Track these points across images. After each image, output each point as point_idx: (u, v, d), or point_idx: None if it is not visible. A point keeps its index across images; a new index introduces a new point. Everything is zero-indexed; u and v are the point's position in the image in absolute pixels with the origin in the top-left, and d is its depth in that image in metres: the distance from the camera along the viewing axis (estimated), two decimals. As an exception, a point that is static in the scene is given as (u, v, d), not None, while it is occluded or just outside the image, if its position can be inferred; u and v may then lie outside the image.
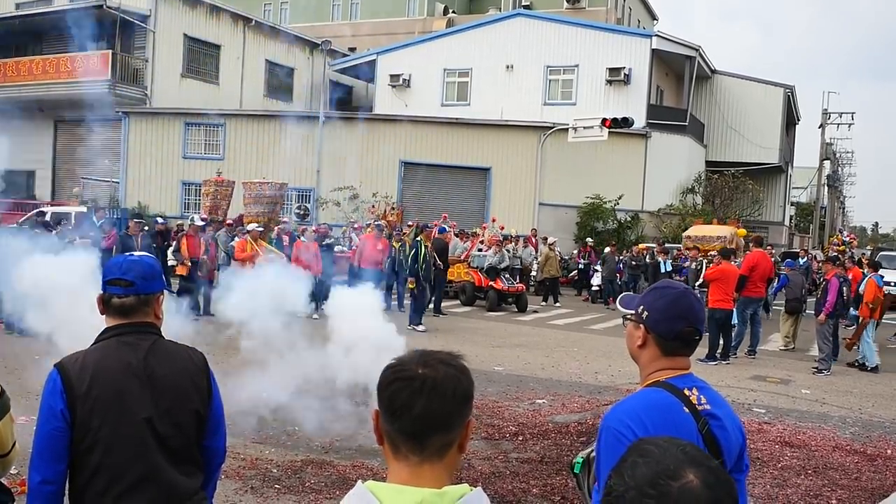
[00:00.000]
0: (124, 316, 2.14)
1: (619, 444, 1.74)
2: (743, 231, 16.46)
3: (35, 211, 19.27)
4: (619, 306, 2.11)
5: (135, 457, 2.05)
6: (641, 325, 1.93)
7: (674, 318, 1.89)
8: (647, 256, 17.30)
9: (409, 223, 17.32)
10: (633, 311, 1.97)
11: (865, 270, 11.73)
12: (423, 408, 1.24)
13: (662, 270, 14.23)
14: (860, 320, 11.01)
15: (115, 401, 2.05)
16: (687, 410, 1.82)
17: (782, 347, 12.42)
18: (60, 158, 27.94)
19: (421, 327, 12.15)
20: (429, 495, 1.21)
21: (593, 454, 1.91)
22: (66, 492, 2.09)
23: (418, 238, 13.09)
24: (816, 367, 10.30)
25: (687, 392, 1.85)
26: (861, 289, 11.20)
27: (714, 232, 15.83)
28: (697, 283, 12.70)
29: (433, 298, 13.69)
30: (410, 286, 12.39)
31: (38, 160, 27.65)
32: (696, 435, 1.79)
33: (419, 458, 1.26)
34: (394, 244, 14.68)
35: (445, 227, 15.99)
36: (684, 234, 17.50)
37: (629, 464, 1.08)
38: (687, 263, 14.20)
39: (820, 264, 11.42)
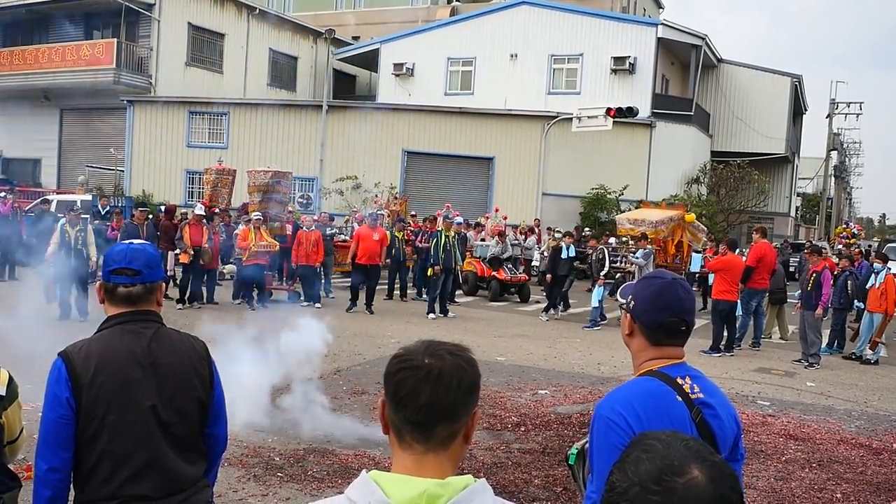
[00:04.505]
0: (130, 304, 2.14)
1: (611, 433, 1.74)
2: (692, 216, 16.04)
3: (40, 199, 19.31)
4: (618, 296, 2.12)
5: (139, 444, 2.06)
6: (629, 315, 1.94)
7: (658, 308, 1.88)
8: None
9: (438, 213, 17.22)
10: (623, 301, 1.98)
11: (877, 264, 11.57)
12: (428, 397, 1.24)
13: (564, 256, 13.03)
14: (884, 316, 10.72)
15: (120, 388, 2.05)
16: (680, 399, 1.81)
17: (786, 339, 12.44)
18: (66, 146, 27.98)
19: (432, 315, 12.24)
20: (432, 486, 1.20)
21: (588, 445, 1.90)
22: (72, 478, 2.10)
23: (439, 228, 13.14)
24: (807, 361, 10.14)
25: (680, 381, 1.85)
26: (877, 283, 11.03)
27: (653, 216, 15.22)
28: (602, 273, 12.53)
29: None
30: (430, 273, 12.51)
31: (44, 148, 27.72)
32: (690, 423, 1.79)
33: (424, 448, 1.26)
34: (395, 233, 14.67)
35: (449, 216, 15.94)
36: (618, 217, 16.83)
37: (632, 459, 1.06)
38: (589, 252, 13.35)
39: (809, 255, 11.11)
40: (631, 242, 14.46)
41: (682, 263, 15.97)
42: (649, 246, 13.46)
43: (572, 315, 14.04)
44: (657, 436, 1.09)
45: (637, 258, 12.98)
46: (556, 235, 17.62)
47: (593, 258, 13.03)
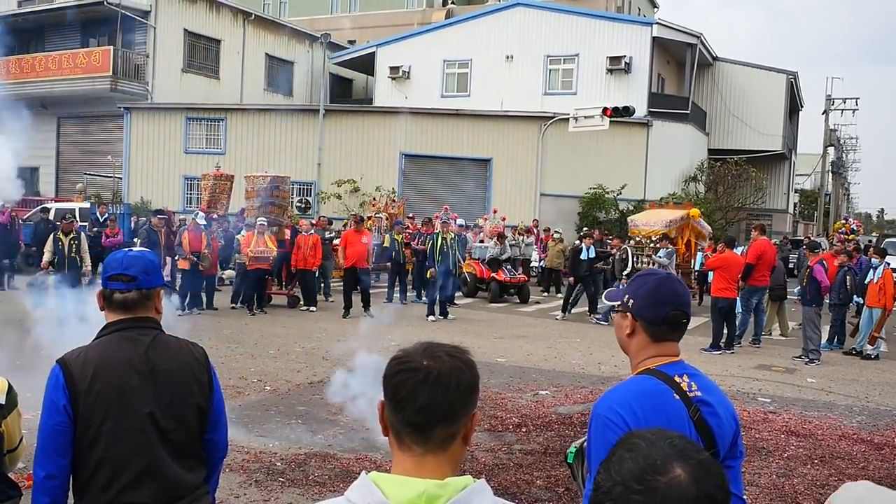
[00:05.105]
0: (126, 311, 2.14)
1: (608, 432, 1.74)
2: (696, 211, 16.28)
3: (39, 207, 19.30)
4: (604, 300, 2.12)
5: (137, 451, 2.05)
6: (629, 314, 1.93)
7: (659, 302, 1.89)
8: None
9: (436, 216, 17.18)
10: (618, 302, 1.97)
11: (874, 259, 11.60)
12: (426, 399, 1.24)
13: (584, 258, 13.42)
14: (883, 311, 10.73)
15: (118, 395, 2.05)
16: (677, 397, 1.81)
17: (786, 335, 12.44)
18: (64, 155, 27.98)
19: (431, 318, 12.26)
20: (431, 486, 1.20)
21: (586, 444, 1.90)
22: (70, 486, 2.10)
23: (437, 231, 13.15)
24: (808, 357, 10.13)
25: (677, 379, 1.85)
26: (875, 279, 11.04)
27: (662, 216, 15.50)
28: (625, 273, 12.74)
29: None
30: (429, 276, 12.54)
31: (41, 156, 27.70)
32: (688, 422, 1.79)
33: (423, 450, 1.26)
34: (395, 236, 14.66)
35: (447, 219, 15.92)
36: (629, 218, 17.13)
37: (616, 458, 1.06)
38: (613, 252, 13.64)
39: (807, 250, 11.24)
40: (634, 242, 14.62)
41: (689, 262, 16.17)
42: (671, 246, 13.71)
43: (573, 315, 14.02)
44: (643, 434, 1.09)
45: (661, 258, 13.19)
46: (556, 236, 17.74)
47: (616, 257, 13.21)
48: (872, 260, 11.82)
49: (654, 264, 13.38)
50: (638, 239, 14.85)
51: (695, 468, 1.01)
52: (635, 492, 1.00)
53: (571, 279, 13.70)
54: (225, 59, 28.08)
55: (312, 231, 13.56)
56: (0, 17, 26.66)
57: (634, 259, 13.34)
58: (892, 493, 1.29)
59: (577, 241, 15.13)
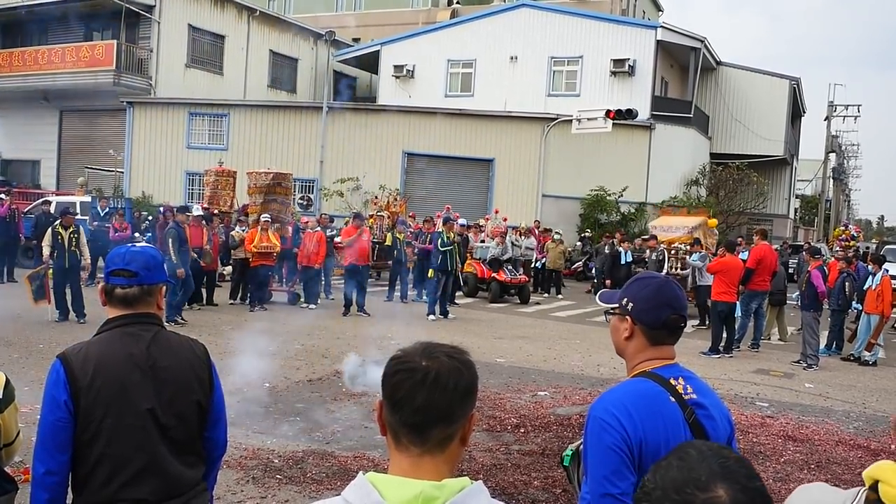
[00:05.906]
0: (127, 306, 2.14)
1: (604, 434, 1.75)
2: (714, 221, 16.42)
3: (41, 200, 19.33)
4: (599, 302, 2.11)
5: (137, 447, 2.05)
6: (627, 317, 1.93)
7: (660, 306, 1.89)
8: (606, 247, 16.79)
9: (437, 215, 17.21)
10: (616, 305, 1.97)
11: (870, 267, 11.63)
12: (424, 399, 1.24)
13: (622, 262, 13.86)
14: (881, 318, 10.76)
15: (118, 391, 2.05)
16: (673, 400, 1.82)
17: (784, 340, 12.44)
18: (65, 148, 27.99)
19: (432, 317, 12.26)
20: (428, 487, 1.20)
21: (582, 446, 1.91)
22: (70, 482, 2.10)
23: (440, 230, 13.15)
24: (806, 362, 10.15)
25: (673, 381, 1.85)
26: (874, 285, 11.05)
27: (681, 222, 15.76)
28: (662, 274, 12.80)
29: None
30: (431, 275, 12.55)
31: (43, 150, 27.73)
32: (683, 424, 1.79)
33: (420, 450, 1.26)
34: (397, 235, 14.67)
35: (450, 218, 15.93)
36: (649, 224, 17.32)
37: (665, 463, 1.06)
38: (646, 254, 13.90)
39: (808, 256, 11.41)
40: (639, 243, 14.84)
41: None
42: (703, 250, 13.89)
43: (573, 316, 14.03)
44: (699, 446, 1.08)
45: (695, 261, 13.41)
46: (556, 237, 17.74)
47: (652, 258, 13.27)
48: (869, 267, 11.83)
49: (683, 268, 13.60)
50: (663, 246, 15.05)
51: (738, 493, 0.98)
52: (672, 501, 0.99)
53: (608, 282, 13.75)
54: (229, 54, 28.09)
55: (318, 228, 13.57)
56: (3, 9, 26.69)
57: (669, 261, 13.49)
58: (845, 493, 1.29)
59: (614, 245, 15.42)
